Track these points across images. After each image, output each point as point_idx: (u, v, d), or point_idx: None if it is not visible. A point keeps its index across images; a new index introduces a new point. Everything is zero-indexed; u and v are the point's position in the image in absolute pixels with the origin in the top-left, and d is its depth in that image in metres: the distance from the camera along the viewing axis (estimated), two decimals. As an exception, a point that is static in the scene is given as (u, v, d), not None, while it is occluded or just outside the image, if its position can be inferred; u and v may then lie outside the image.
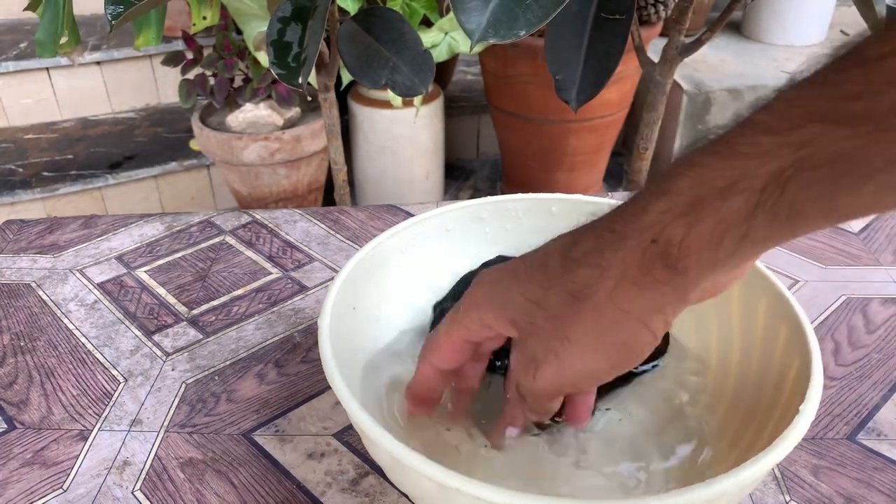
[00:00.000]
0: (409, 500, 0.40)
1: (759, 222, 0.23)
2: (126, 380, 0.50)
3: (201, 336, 0.54)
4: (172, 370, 0.50)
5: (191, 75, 1.62)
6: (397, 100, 1.58)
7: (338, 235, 0.65)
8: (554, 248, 0.28)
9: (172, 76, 1.89)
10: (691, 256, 0.25)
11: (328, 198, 1.86)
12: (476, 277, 0.32)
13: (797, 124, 0.22)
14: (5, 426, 0.46)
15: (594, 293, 0.26)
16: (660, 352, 0.41)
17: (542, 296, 0.28)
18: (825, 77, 0.21)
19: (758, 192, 0.23)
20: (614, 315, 0.26)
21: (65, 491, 0.42)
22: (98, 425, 0.46)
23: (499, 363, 0.40)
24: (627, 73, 1.62)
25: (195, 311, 0.56)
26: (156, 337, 0.54)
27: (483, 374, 0.37)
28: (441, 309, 0.45)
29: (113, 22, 0.63)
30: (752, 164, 0.23)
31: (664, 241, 0.25)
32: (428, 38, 1.41)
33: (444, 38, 1.43)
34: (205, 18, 1.51)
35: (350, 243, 0.64)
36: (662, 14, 1.56)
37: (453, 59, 2.08)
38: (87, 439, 0.45)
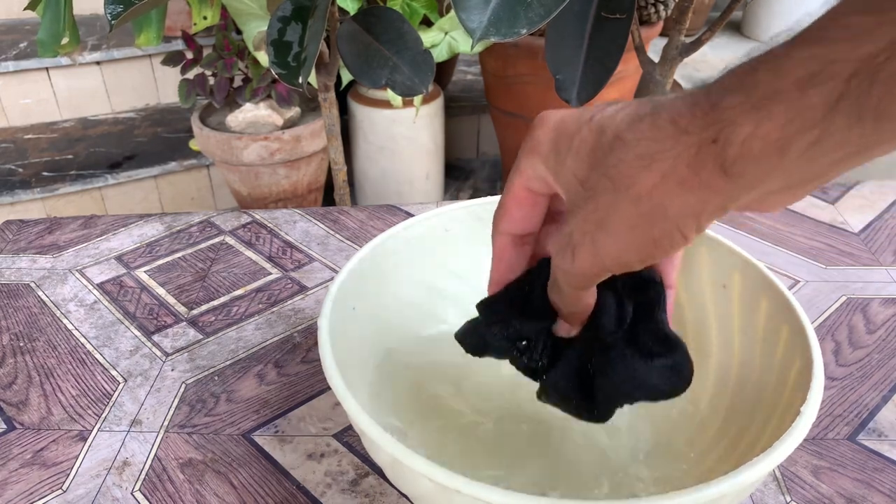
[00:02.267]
0: (409, 501, 0.40)
1: (837, 122, 0.20)
2: (125, 380, 0.50)
3: (201, 336, 0.54)
4: (172, 370, 0.50)
5: (190, 75, 1.62)
6: (397, 100, 1.58)
7: (337, 235, 0.65)
8: (611, 124, 0.26)
9: (172, 76, 1.89)
10: (749, 160, 0.22)
11: (328, 198, 1.86)
12: (539, 117, 0.29)
13: None
14: (5, 426, 0.46)
15: (635, 183, 0.24)
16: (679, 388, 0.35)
17: (586, 175, 0.26)
18: None
19: (843, 81, 0.20)
20: (651, 211, 0.25)
21: (64, 491, 0.41)
22: (97, 426, 0.46)
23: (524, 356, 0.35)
24: (627, 72, 1.61)
25: (195, 312, 0.56)
26: (155, 337, 0.54)
27: None
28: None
29: (112, 22, 0.63)
30: (839, 48, 0.20)
31: (724, 140, 0.22)
32: (428, 37, 1.41)
33: (444, 38, 1.43)
34: (205, 18, 1.51)
35: (350, 243, 0.64)
36: (662, 14, 1.56)
37: (453, 59, 2.07)
38: (86, 440, 0.45)
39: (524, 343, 0.34)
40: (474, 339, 0.36)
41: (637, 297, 0.32)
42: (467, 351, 0.36)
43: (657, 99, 0.25)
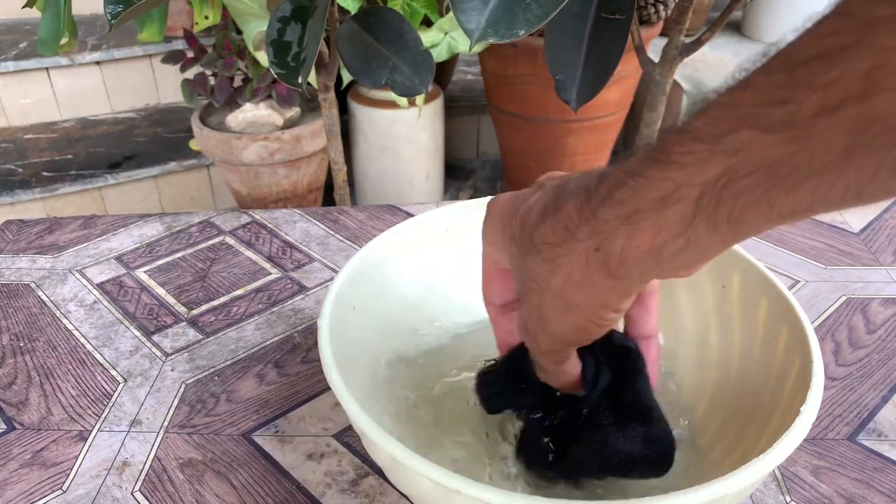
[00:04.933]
0: (409, 501, 0.40)
1: (699, 232, 0.23)
2: (125, 380, 0.50)
3: (201, 336, 0.54)
4: (172, 370, 0.50)
5: (190, 74, 1.62)
6: (402, 100, 1.58)
7: (337, 235, 0.65)
8: (528, 218, 0.29)
9: (172, 76, 1.89)
10: (630, 265, 0.25)
11: (328, 198, 1.86)
12: (489, 203, 0.33)
13: (727, 131, 0.21)
14: (4, 427, 0.46)
15: (549, 285, 0.28)
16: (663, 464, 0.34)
17: (518, 268, 0.30)
18: (755, 80, 0.21)
19: (693, 202, 0.23)
20: (567, 306, 0.28)
21: (64, 492, 0.41)
22: (97, 426, 0.46)
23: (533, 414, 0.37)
24: (627, 72, 1.61)
25: (195, 312, 0.56)
26: (155, 337, 0.54)
27: None
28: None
29: (112, 21, 0.63)
30: (686, 173, 0.22)
31: (605, 250, 0.26)
32: (427, 37, 1.41)
33: (443, 38, 1.43)
34: (206, 18, 1.51)
35: (350, 243, 0.64)
36: (662, 14, 1.56)
37: (453, 59, 2.07)
38: (86, 440, 0.45)
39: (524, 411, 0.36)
40: (485, 399, 0.38)
41: (614, 364, 0.34)
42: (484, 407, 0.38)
43: (563, 190, 0.28)
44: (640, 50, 0.97)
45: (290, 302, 0.57)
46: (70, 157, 1.86)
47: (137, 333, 0.54)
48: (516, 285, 0.31)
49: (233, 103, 1.63)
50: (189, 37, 1.59)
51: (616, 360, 0.34)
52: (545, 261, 0.28)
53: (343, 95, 1.75)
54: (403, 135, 1.71)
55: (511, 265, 0.31)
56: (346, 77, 1.47)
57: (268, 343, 0.53)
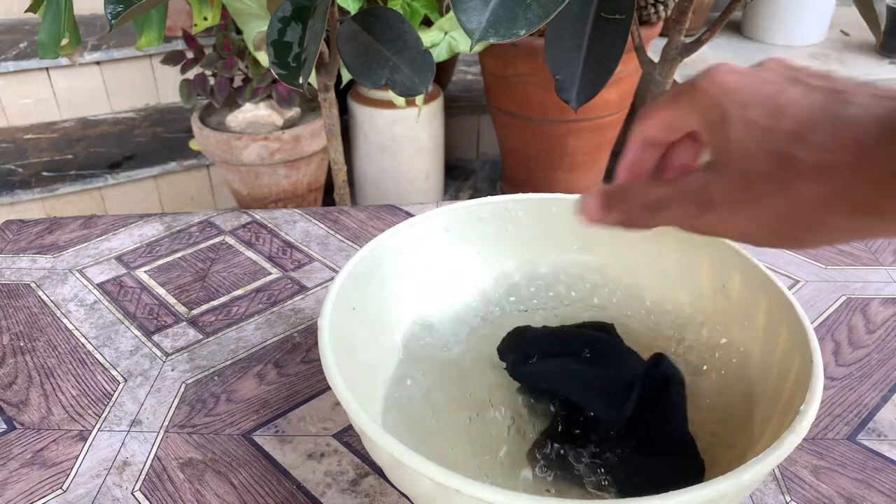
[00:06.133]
0: (409, 501, 0.40)
1: None
2: (126, 380, 0.50)
3: (201, 336, 0.54)
4: (172, 370, 0.50)
5: (190, 75, 1.62)
6: (400, 100, 1.58)
7: (338, 235, 0.65)
8: (792, 112, 0.25)
9: (172, 76, 1.89)
10: None
11: (328, 198, 1.86)
12: (712, 72, 0.27)
13: None
14: (5, 426, 0.46)
15: (805, 192, 0.24)
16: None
17: (754, 154, 0.25)
18: None
19: None
20: (809, 220, 0.24)
21: (64, 491, 0.42)
22: (98, 426, 0.46)
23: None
24: (627, 73, 1.61)
25: (195, 312, 0.56)
26: (155, 337, 0.54)
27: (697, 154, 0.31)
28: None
29: (112, 21, 0.63)
30: None
31: None
32: (427, 37, 1.41)
33: (443, 38, 1.43)
34: (206, 19, 1.51)
35: (350, 243, 0.64)
36: (662, 14, 1.56)
37: (453, 59, 2.07)
38: (86, 440, 0.45)
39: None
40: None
41: (657, 390, 0.37)
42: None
43: (844, 94, 0.24)
44: (640, 50, 0.97)
45: (290, 302, 0.57)
46: (70, 157, 1.86)
47: (137, 333, 0.54)
48: (720, 155, 0.27)
49: (233, 103, 1.63)
50: (188, 38, 1.59)
51: (659, 387, 0.36)
52: (815, 165, 0.23)
53: (343, 95, 1.75)
54: (403, 135, 1.71)
55: (736, 142, 0.26)
56: (346, 77, 1.47)
57: (268, 343, 0.53)
